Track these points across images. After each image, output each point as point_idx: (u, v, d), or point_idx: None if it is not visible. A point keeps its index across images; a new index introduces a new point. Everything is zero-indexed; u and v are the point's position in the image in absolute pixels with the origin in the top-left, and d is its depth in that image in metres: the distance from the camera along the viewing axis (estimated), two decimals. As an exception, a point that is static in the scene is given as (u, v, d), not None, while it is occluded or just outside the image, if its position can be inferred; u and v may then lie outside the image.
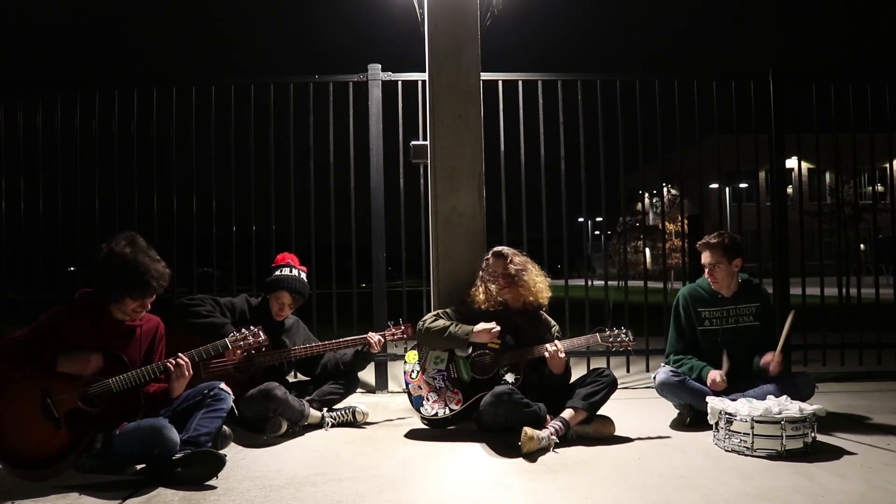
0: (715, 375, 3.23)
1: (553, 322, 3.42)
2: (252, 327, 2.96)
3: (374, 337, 3.49)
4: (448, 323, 3.24)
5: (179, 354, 2.66)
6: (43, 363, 2.46)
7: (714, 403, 2.94)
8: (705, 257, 3.43)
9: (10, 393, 2.43)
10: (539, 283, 3.34)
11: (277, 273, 3.49)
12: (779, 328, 3.46)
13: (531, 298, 3.33)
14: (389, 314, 3.79)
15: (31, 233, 4.57)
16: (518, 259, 3.35)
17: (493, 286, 3.30)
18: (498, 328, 3.17)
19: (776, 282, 4.70)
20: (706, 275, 3.45)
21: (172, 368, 2.62)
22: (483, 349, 3.21)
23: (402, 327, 3.55)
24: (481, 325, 3.17)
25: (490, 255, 3.41)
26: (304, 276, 3.56)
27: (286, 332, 3.55)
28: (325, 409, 3.44)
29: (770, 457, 2.72)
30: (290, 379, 3.78)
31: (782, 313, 4.56)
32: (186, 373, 2.64)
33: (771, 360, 3.22)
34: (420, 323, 3.32)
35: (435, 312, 3.37)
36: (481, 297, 3.31)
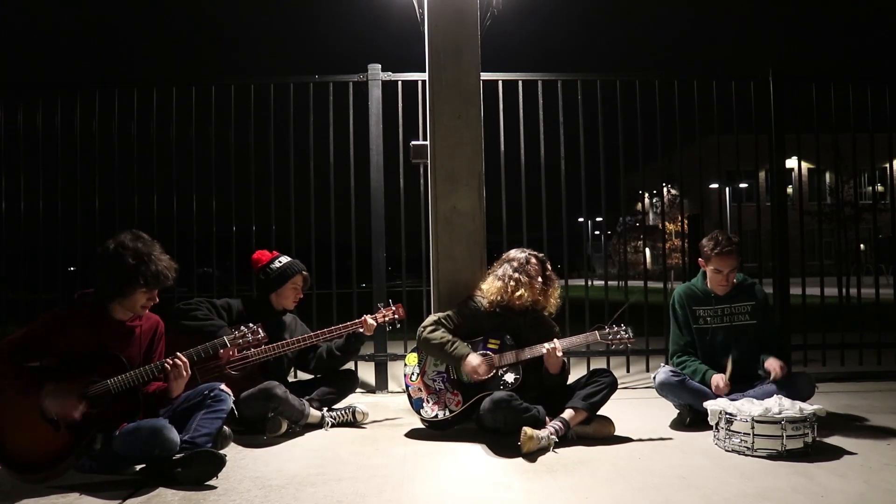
0: (718, 380, 3.23)
1: (553, 323, 3.42)
2: (251, 325, 2.94)
3: (368, 319, 3.47)
4: (445, 339, 3.18)
5: (177, 354, 2.66)
6: (40, 367, 2.45)
7: (713, 406, 2.94)
8: (726, 264, 3.32)
9: (8, 396, 2.43)
10: (558, 292, 3.41)
11: (277, 267, 3.49)
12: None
13: (547, 306, 3.36)
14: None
15: (31, 233, 4.56)
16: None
17: (538, 285, 3.28)
18: (484, 374, 3.09)
19: (776, 282, 4.71)
20: (722, 280, 3.36)
21: (170, 368, 2.62)
22: (483, 350, 3.21)
23: (393, 308, 3.56)
24: (474, 360, 3.10)
25: (531, 257, 3.37)
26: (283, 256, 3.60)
27: (286, 328, 3.54)
28: (325, 409, 3.44)
29: (770, 457, 2.72)
30: (290, 379, 3.78)
31: (782, 313, 4.59)
32: (184, 372, 2.63)
33: (776, 368, 3.20)
34: (420, 329, 3.29)
35: (436, 318, 3.31)
36: (518, 293, 3.23)
